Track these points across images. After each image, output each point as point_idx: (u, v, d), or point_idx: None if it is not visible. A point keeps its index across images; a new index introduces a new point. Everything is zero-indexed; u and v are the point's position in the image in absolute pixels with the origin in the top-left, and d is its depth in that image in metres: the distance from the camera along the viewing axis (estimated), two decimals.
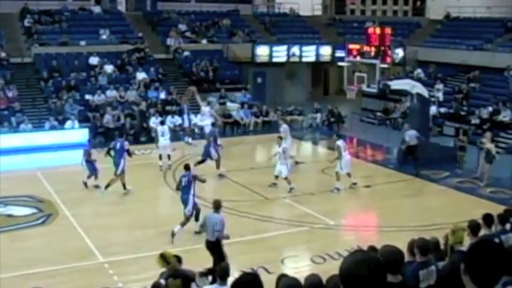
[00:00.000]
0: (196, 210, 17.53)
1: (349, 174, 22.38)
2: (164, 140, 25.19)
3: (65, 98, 31.21)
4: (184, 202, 17.51)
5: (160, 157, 25.00)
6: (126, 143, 22.21)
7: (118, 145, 21.78)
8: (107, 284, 13.87)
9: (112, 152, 21.74)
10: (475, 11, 42.03)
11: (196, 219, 17.20)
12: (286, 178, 21.51)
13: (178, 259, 11.09)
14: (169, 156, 25.16)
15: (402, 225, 17.54)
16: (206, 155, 24.12)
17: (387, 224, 18.53)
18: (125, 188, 21.32)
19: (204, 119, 29.01)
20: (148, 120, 30.72)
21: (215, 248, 14.06)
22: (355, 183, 22.48)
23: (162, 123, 26.63)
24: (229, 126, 33.05)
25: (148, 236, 17.08)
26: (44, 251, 15.76)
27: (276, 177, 21.84)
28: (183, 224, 17.09)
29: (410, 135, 24.43)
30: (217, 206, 14.28)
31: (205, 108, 29.42)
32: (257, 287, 4.70)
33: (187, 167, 18.17)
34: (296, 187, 21.53)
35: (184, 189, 17.56)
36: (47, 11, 39.23)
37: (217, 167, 23.99)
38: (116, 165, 21.44)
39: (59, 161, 26.56)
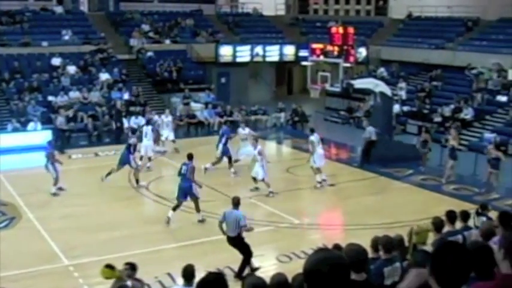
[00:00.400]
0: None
1: (319, 170, 22.51)
2: (147, 141, 25.03)
3: (27, 100, 30.87)
4: (182, 189, 18.10)
5: (140, 158, 24.76)
6: (133, 140, 23.36)
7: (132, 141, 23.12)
8: (72, 287, 13.80)
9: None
10: (436, 10, 42.47)
11: (198, 210, 18.22)
12: (263, 180, 21.41)
13: (133, 267, 10.80)
14: (149, 158, 25.17)
15: (367, 223, 17.67)
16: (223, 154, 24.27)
17: (352, 222, 18.66)
18: (138, 182, 22.27)
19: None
20: (122, 120, 30.61)
21: (238, 241, 14.40)
22: (324, 180, 22.63)
23: (148, 123, 26.20)
24: (193, 127, 32.94)
25: (113, 238, 16.97)
26: (8, 254, 15.54)
27: (254, 179, 21.69)
28: (198, 210, 18.22)
29: (371, 131, 24.69)
30: (236, 202, 14.70)
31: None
32: (222, 286, 4.71)
33: (190, 156, 18.72)
34: (273, 189, 21.48)
35: (183, 177, 18.14)
36: (8, 11, 38.76)
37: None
38: (125, 162, 22.45)
39: (22, 164, 26.25)
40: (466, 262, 3.43)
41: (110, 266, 10.53)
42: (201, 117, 33.19)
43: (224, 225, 14.55)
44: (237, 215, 14.36)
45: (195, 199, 18.21)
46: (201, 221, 18.01)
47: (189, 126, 32.68)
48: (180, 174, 18.28)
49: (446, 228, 10.39)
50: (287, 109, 35.08)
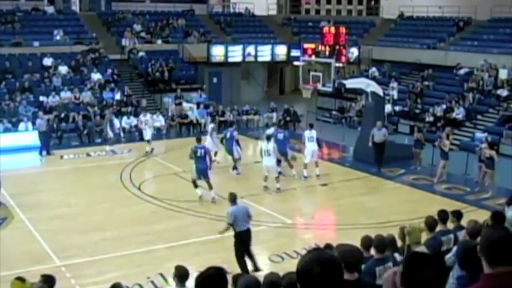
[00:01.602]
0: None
1: (304, 166, 22.80)
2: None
3: (19, 100, 30.79)
4: (199, 170, 19.86)
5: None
6: (235, 133, 24.59)
7: (228, 134, 24.08)
8: (64, 287, 13.74)
9: (223, 141, 24.38)
10: (427, 10, 42.60)
11: (211, 188, 20.05)
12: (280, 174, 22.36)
13: (46, 279, 10.36)
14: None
15: (359, 222, 17.69)
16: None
17: (344, 222, 18.67)
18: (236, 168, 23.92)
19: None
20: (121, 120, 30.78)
21: (250, 232, 14.64)
22: (305, 177, 22.95)
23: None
24: (185, 127, 32.87)
25: (105, 239, 16.94)
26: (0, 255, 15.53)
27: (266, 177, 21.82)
28: (210, 187, 20.06)
29: (385, 133, 24.74)
30: (233, 198, 14.77)
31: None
32: (222, 280, 4.70)
33: (199, 139, 20.83)
34: (268, 186, 21.67)
35: (199, 159, 19.86)
36: None
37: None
38: (230, 152, 23.95)
39: (13, 164, 26.17)
40: (437, 276, 3.43)
41: (20, 279, 10.38)
42: (192, 117, 33.11)
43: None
44: (244, 210, 14.59)
45: (208, 179, 19.95)
46: (214, 200, 19.85)
47: (180, 127, 32.64)
48: (195, 156, 19.87)
49: (439, 228, 10.41)
50: (279, 109, 35.05)
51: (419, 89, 35.18)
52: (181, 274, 9.62)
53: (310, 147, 23.01)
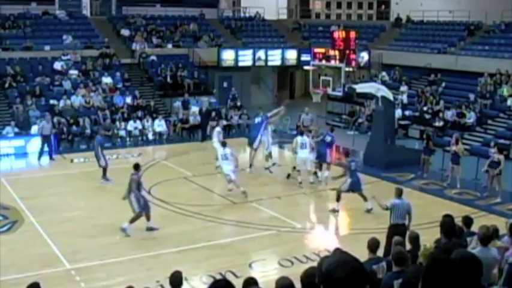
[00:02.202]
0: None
1: (298, 171, 23.18)
2: None
3: (29, 104, 30.89)
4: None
5: None
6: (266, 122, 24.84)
7: (259, 120, 24.46)
8: None
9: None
10: (438, 14, 42.52)
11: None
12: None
13: (37, 286, 10.25)
14: None
15: (368, 227, 17.64)
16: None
17: (353, 227, 18.68)
18: (250, 166, 24.56)
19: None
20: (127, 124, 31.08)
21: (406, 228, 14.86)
22: (288, 175, 23.65)
23: None
24: (190, 131, 32.78)
25: (115, 242, 16.98)
26: (10, 258, 15.55)
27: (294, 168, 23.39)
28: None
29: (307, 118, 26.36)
30: (400, 193, 15.51)
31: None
32: None
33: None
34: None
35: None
36: (10, 16, 38.84)
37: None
38: (252, 139, 24.62)
39: (25, 167, 26.30)
40: (458, 280, 3.39)
41: None
42: (194, 122, 32.97)
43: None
44: (407, 204, 15.12)
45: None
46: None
47: (182, 131, 32.63)
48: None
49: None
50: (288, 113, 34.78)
51: (428, 94, 35.07)
52: (175, 280, 9.62)
53: (303, 155, 23.33)
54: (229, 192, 21.60)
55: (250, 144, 25.06)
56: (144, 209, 17.46)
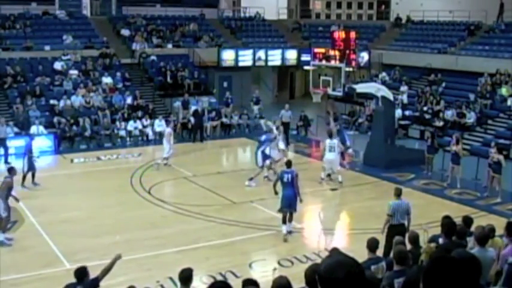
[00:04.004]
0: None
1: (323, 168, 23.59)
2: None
3: (29, 104, 30.88)
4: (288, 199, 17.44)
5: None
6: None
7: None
8: None
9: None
10: (438, 15, 42.52)
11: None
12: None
13: None
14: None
15: (368, 227, 17.62)
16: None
17: (354, 227, 18.68)
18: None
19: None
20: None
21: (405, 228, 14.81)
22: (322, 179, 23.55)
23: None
24: (188, 131, 32.72)
25: (115, 242, 16.95)
26: (9, 258, 15.56)
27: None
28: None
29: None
30: (399, 193, 15.44)
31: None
32: None
33: (289, 164, 18.05)
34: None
35: (287, 185, 17.36)
36: (10, 16, 38.85)
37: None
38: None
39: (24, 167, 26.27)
40: (460, 278, 3.37)
41: None
42: (193, 122, 32.80)
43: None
44: (407, 204, 15.08)
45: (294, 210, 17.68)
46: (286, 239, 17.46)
47: (182, 131, 32.61)
48: (282, 183, 17.61)
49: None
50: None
51: (428, 94, 35.07)
52: (184, 276, 9.63)
53: (329, 156, 23.40)
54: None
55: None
56: (7, 217, 17.23)
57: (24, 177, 22.35)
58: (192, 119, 32.28)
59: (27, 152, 22.91)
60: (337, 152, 23.34)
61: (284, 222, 17.30)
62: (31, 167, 22.72)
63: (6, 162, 26.17)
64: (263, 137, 23.98)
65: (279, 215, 17.76)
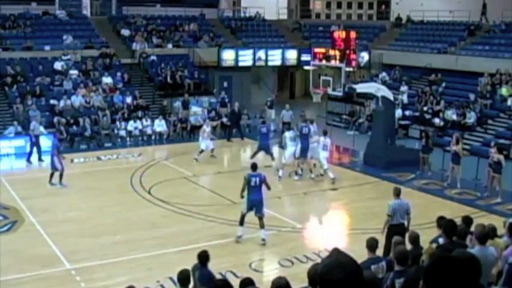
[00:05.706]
0: None
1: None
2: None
3: (30, 104, 30.86)
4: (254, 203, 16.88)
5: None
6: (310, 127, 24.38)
7: (305, 130, 23.88)
8: None
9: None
10: (438, 14, 42.50)
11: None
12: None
13: None
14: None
15: (368, 227, 17.62)
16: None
17: (354, 227, 18.66)
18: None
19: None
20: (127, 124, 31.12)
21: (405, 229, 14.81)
22: (279, 177, 23.62)
23: None
24: (189, 131, 32.73)
25: (115, 242, 16.97)
26: (10, 258, 15.55)
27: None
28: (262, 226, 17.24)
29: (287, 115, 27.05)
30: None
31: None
32: None
33: (254, 167, 17.66)
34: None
35: (254, 189, 16.84)
36: (10, 16, 38.85)
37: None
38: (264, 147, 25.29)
39: (24, 167, 26.29)
40: (461, 278, 3.36)
41: None
42: (194, 122, 32.87)
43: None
44: (406, 204, 15.07)
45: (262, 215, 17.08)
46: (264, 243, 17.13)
47: (182, 131, 32.60)
48: (248, 186, 17.00)
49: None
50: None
51: (428, 94, 35.05)
52: (182, 278, 9.64)
53: (292, 148, 23.92)
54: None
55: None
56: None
57: (51, 176, 22.69)
58: (199, 118, 32.69)
59: (54, 150, 23.10)
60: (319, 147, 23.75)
61: (241, 224, 16.90)
62: (60, 167, 22.77)
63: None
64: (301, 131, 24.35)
65: (278, 215, 17.74)
